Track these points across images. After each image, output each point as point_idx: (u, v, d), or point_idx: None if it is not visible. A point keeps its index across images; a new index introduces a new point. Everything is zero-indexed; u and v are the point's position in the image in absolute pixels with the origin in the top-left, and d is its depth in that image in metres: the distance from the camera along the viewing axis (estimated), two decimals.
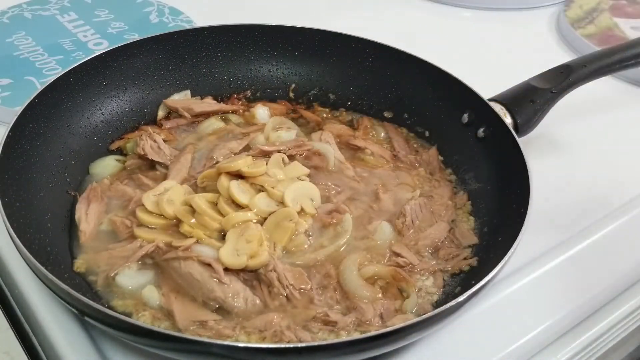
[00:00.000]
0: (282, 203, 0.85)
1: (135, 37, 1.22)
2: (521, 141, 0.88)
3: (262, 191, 0.86)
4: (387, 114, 1.07)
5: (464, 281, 0.81)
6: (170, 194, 0.86)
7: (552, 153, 1.08)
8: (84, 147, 0.94)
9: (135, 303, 0.76)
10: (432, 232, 0.87)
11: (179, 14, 1.32)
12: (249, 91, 1.10)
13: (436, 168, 0.98)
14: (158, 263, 0.81)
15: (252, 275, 0.79)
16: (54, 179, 0.88)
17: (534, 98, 0.95)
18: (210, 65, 1.08)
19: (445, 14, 1.48)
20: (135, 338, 0.68)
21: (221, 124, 1.04)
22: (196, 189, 0.89)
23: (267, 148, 0.93)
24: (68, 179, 0.90)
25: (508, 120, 0.93)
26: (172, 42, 1.05)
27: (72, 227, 0.85)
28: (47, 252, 0.77)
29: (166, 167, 0.94)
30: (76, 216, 0.85)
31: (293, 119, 1.06)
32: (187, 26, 1.28)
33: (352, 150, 1.01)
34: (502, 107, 0.94)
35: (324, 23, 1.09)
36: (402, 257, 0.83)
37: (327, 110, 1.09)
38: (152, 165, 0.95)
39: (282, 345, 0.66)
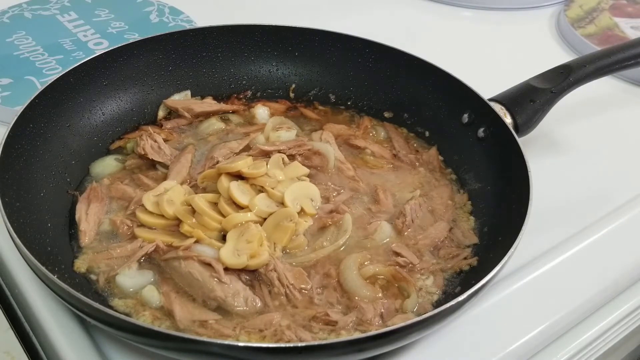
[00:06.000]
0: (282, 204, 0.85)
1: (136, 37, 1.23)
2: (521, 141, 0.88)
3: (263, 192, 0.86)
4: (387, 114, 1.07)
5: (464, 281, 0.81)
6: (170, 194, 0.86)
7: (552, 153, 1.08)
8: (84, 147, 0.94)
9: (135, 303, 0.76)
10: (432, 232, 0.87)
11: (179, 13, 1.32)
12: (249, 91, 1.10)
13: (436, 168, 0.98)
14: (158, 263, 0.81)
15: (252, 275, 0.79)
16: (54, 179, 0.88)
17: (534, 98, 0.95)
18: (210, 66, 1.08)
19: (445, 14, 1.48)
20: (135, 338, 0.68)
21: (221, 124, 1.04)
22: (196, 189, 0.89)
23: (267, 148, 0.93)
24: (68, 179, 0.90)
25: (508, 120, 0.93)
26: (172, 42, 1.05)
27: (72, 227, 0.85)
28: (47, 252, 0.77)
29: (166, 167, 0.94)
30: (76, 216, 0.85)
31: (293, 118, 1.06)
32: (188, 26, 1.28)
33: (352, 150, 1.01)
34: (502, 107, 0.94)
35: (324, 23, 1.09)
36: (402, 256, 0.83)
37: (328, 110, 1.09)
38: (152, 165, 0.95)
39: (282, 345, 0.66)
